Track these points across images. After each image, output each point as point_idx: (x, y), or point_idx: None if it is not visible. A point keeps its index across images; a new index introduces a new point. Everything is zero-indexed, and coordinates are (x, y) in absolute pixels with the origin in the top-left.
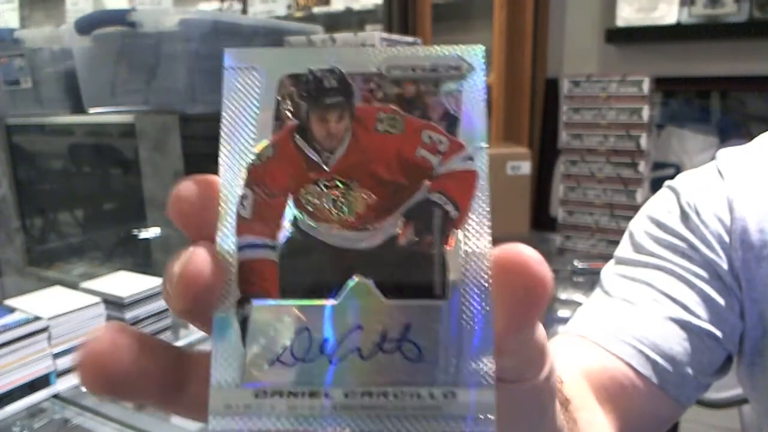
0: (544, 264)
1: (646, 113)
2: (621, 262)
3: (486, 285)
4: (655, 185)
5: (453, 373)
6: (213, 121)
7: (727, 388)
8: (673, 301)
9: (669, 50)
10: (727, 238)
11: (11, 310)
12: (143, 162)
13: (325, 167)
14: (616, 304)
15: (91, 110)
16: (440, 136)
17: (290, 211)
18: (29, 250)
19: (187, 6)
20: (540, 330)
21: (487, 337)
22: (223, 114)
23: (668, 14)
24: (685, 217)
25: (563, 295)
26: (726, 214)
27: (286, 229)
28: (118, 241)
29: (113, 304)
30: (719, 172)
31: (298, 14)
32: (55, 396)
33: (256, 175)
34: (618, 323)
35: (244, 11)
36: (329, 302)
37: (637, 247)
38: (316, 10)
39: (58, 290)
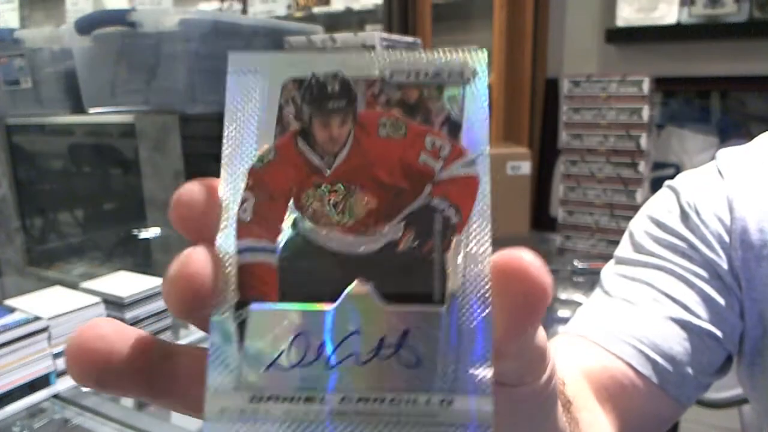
0: (544, 269)
1: (646, 113)
2: (621, 261)
3: (486, 291)
4: (655, 185)
5: (451, 379)
6: (213, 121)
7: (727, 388)
8: (673, 300)
9: (669, 50)
10: (727, 238)
11: (11, 310)
12: (143, 162)
13: (326, 171)
14: (616, 304)
15: (91, 110)
16: (442, 142)
17: (291, 215)
18: (29, 250)
19: (187, 6)
20: (540, 334)
21: (486, 343)
22: (226, 118)
23: (668, 14)
24: (685, 216)
25: (563, 295)
26: (726, 213)
27: (286, 233)
28: (118, 241)
29: (113, 304)
30: (719, 171)
31: (298, 14)
32: (55, 396)
33: (257, 179)
34: (618, 323)
35: (244, 11)
36: (327, 307)
37: (637, 247)
38: (316, 10)
39: (58, 290)
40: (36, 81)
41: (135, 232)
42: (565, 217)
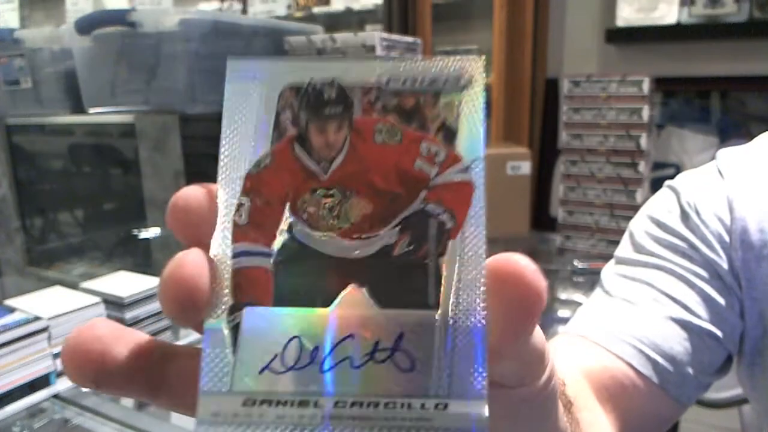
0: (539, 273)
1: (646, 113)
2: (621, 261)
3: (481, 295)
4: (655, 185)
5: (446, 384)
6: (213, 121)
7: (727, 388)
8: (673, 300)
9: (669, 50)
10: (727, 238)
11: (11, 310)
12: (143, 162)
13: (322, 176)
14: (616, 304)
15: (91, 110)
16: (438, 148)
17: (286, 220)
18: (29, 250)
19: (187, 6)
20: (538, 335)
21: (481, 347)
22: (224, 123)
23: (668, 14)
24: (685, 216)
25: (563, 295)
26: (726, 213)
27: (281, 238)
28: (118, 241)
29: (113, 304)
30: (719, 171)
31: (298, 14)
32: (55, 396)
33: (253, 184)
34: (618, 323)
35: (244, 11)
36: (322, 310)
37: (638, 247)
38: (316, 10)
39: (58, 290)
40: (36, 81)
41: (135, 232)
42: (565, 217)
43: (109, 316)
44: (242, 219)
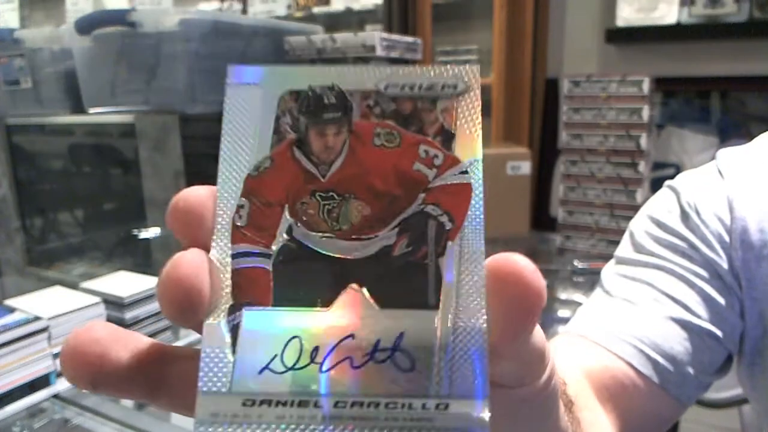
0: (538, 273)
1: (646, 113)
2: (621, 261)
3: (481, 295)
4: (655, 185)
5: (447, 384)
6: (213, 121)
7: (727, 388)
8: (673, 300)
9: (669, 50)
10: (727, 238)
11: (11, 310)
12: (143, 162)
13: (322, 179)
14: (616, 304)
15: (91, 110)
16: (436, 151)
17: (286, 221)
18: (29, 250)
19: (187, 6)
20: (538, 334)
21: (481, 348)
22: (224, 127)
23: (668, 14)
24: (685, 216)
25: (563, 295)
26: (726, 213)
27: (280, 239)
28: (118, 241)
29: (113, 304)
30: (719, 171)
31: (298, 14)
32: (55, 396)
33: (253, 186)
34: (619, 323)
35: (244, 11)
36: (321, 311)
37: (638, 247)
38: (316, 10)
39: (58, 290)
40: (36, 81)
41: (135, 232)
42: (565, 217)
43: (109, 316)
44: (242, 220)
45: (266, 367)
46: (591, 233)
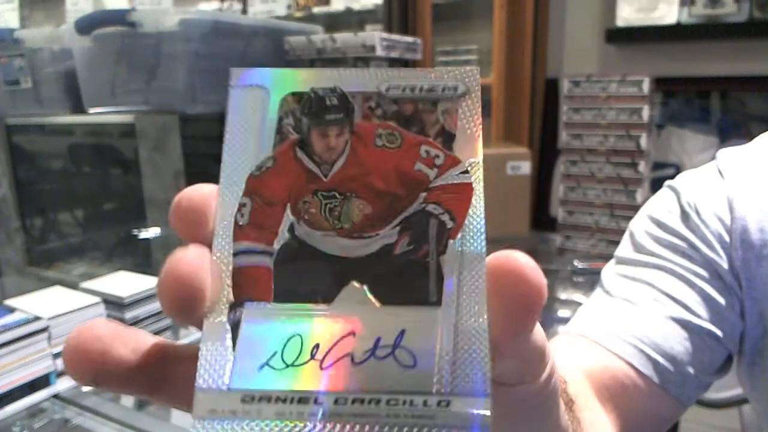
0: (539, 270)
1: (646, 113)
2: (621, 261)
3: (482, 293)
4: (655, 185)
5: (448, 381)
6: (213, 121)
7: (727, 388)
8: (673, 300)
9: (669, 50)
10: (727, 238)
11: (11, 310)
12: (143, 162)
13: (323, 179)
14: (616, 304)
15: (91, 110)
16: (437, 151)
17: (288, 219)
18: (29, 250)
19: (187, 6)
20: (538, 332)
21: (482, 345)
22: (226, 128)
23: (668, 14)
24: (685, 216)
25: (563, 295)
26: (726, 213)
27: (282, 237)
28: (118, 241)
29: (113, 304)
30: (719, 171)
31: (298, 14)
32: (55, 396)
33: (255, 185)
34: (619, 323)
35: (244, 11)
36: (322, 307)
37: (638, 247)
38: (316, 10)
39: (58, 290)
40: (36, 81)
41: (135, 232)
42: (565, 217)
43: (109, 316)
44: (244, 219)
45: (266, 364)
46: (591, 233)
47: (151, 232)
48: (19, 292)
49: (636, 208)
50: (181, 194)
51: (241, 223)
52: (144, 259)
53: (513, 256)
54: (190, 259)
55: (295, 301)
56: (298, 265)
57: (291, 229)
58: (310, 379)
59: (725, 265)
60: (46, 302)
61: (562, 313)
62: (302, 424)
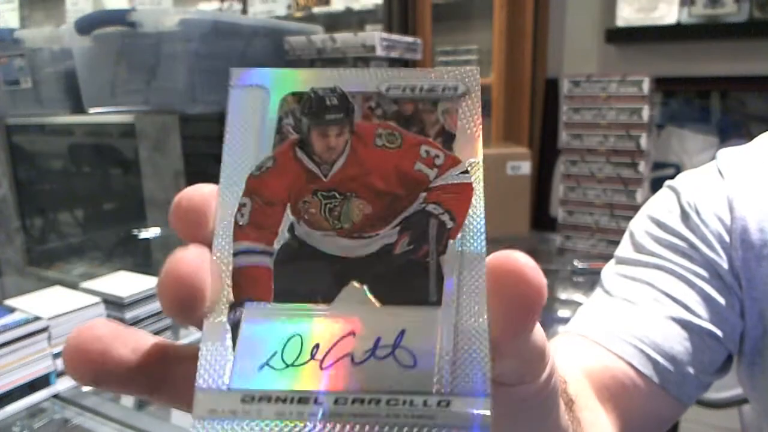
0: (539, 270)
1: (646, 113)
2: (621, 261)
3: (481, 293)
4: (655, 185)
5: (448, 381)
6: (213, 121)
7: (727, 388)
8: (673, 300)
9: (669, 50)
10: (727, 238)
11: (11, 310)
12: (143, 162)
13: (323, 179)
14: (616, 304)
15: (91, 110)
16: (437, 151)
17: (288, 219)
18: (29, 250)
19: (187, 6)
20: (538, 332)
21: (482, 345)
22: (226, 128)
23: (668, 14)
24: (685, 216)
25: (563, 295)
26: (726, 213)
27: (282, 237)
28: (118, 241)
29: (113, 304)
30: (719, 171)
31: (298, 14)
32: (55, 396)
33: (255, 185)
34: (619, 323)
35: (244, 11)
36: (322, 307)
37: (638, 247)
38: (316, 10)
39: (58, 290)
40: (36, 81)
41: (135, 232)
42: (565, 217)
43: (109, 316)
44: (244, 219)
45: (266, 364)
46: (591, 233)
47: (151, 232)
48: (19, 292)
49: (636, 208)
50: (180, 194)
51: (241, 223)
52: (144, 259)
53: (513, 256)
54: (190, 259)
55: (295, 301)
56: (298, 265)
57: (291, 229)
58: (310, 379)
59: (725, 265)
60: (46, 302)
61: (562, 313)
62: (302, 424)
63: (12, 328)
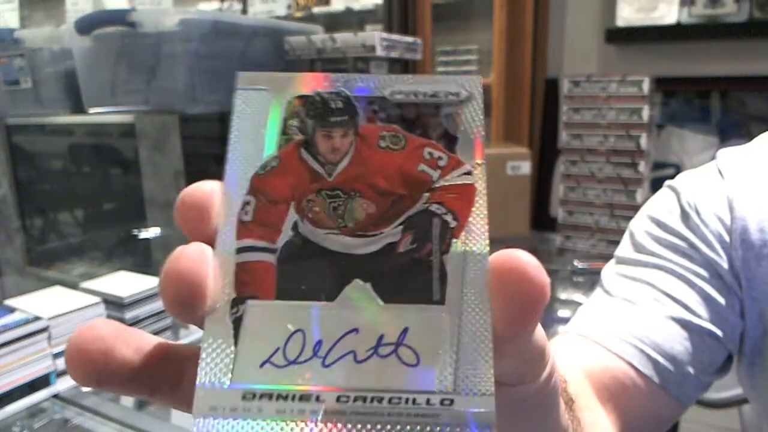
0: (541, 269)
1: (646, 113)
2: (621, 261)
3: (484, 291)
4: (655, 185)
5: (451, 379)
6: (213, 121)
7: (727, 388)
8: (673, 300)
9: (669, 50)
10: (727, 238)
11: (11, 310)
12: (143, 162)
13: (327, 178)
14: (616, 304)
15: (91, 110)
16: (440, 153)
17: (291, 218)
18: (29, 250)
19: (187, 6)
20: (538, 332)
21: (486, 343)
22: (232, 128)
23: (668, 14)
24: (685, 216)
25: (563, 295)
26: (726, 213)
27: (285, 234)
28: (118, 241)
29: (113, 304)
30: (719, 171)
31: (298, 14)
32: (55, 396)
33: (259, 184)
34: (619, 323)
35: (244, 11)
36: (325, 304)
37: (638, 247)
38: (316, 10)
39: (58, 290)
40: (36, 81)
41: (135, 232)
42: (565, 217)
43: (109, 316)
44: (248, 216)
45: (267, 361)
46: (591, 233)
47: (151, 232)
48: (19, 292)
49: (636, 208)
50: (184, 191)
51: (244, 221)
52: (144, 259)
53: (516, 254)
54: (192, 256)
55: (297, 298)
56: (301, 262)
57: (295, 227)
58: (311, 376)
59: (725, 265)
60: (46, 302)
61: (562, 313)
62: (303, 422)
63: (12, 328)
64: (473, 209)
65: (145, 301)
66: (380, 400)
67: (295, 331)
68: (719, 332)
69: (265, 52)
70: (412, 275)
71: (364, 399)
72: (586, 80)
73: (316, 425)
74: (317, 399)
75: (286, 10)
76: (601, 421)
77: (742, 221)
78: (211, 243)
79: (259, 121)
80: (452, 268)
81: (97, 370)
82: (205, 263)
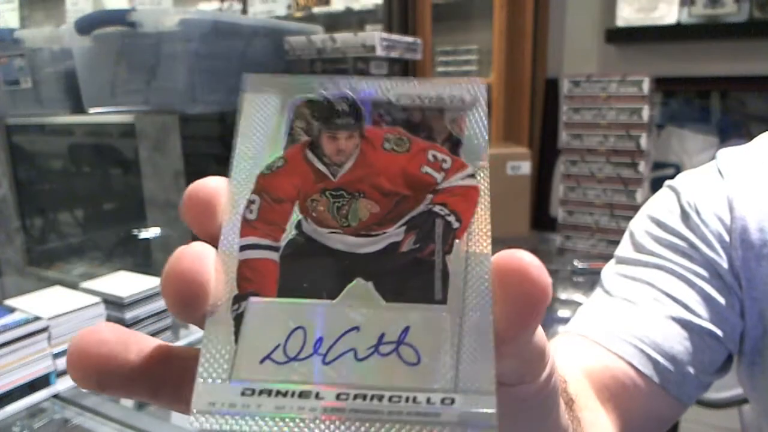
0: (543, 269)
1: (646, 113)
2: (621, 261)
3: (486, 291)
4: (655, 185)
5: (452, 378)
6: (213, 121)
7: (727, 388)
8: (673, 300)
9: (669, 50)
10: (727, 237)
11: (11, 310)
12: (143, 162)
13: (332, 179)
14: (617, 304)
15: (91, 110)
16: (444, 156)
17: (295, 217)
18: (29, 250)
19: (187, 6)
20: (539, 332)
21: (487, 343)
22: (239, 130)
23: (668, 14)
24: (685, 216)
25: (563, 295)
26: (726, 213)
27: (289, 233)
28: (118, 241)
29: (113, 304)
30: (719, 171)
31: (298, 14)
32: (55, 396)
33: (265, 183)
34: (619, 322)
35: (244, 11)
36: (326, 302)
37: (638, 247)
38: (316, 10)
39: (58, 290)
40: (36, 81)
41: (135, 232)
42: (565, 217)
43: (109, 316)
44: (252, 215)
45: (268, 357)
46: (591, 233)
47: (151, 232)
48: (19, 292)
49: (636, 208)
50: (191, 186)
51: (249, 219)
52: (144, 259)
53: (518, 254)
54: (193, 256)
55: (299, 295)
56: (304, 260)
57: (298, 225)
58: (311, 373)
59: (725, 265)
60: (46, 302)
61: (562, 313)
62: (302, 419)
63: (12, 328)
64: (476, 211)
65: (145, 301)
66: (380, 398)
67: (296, 328)
68: (719, 332)
69: (265, 52)
70: (414, 275)
71: (364, 397)
72: (586, 80)
73: (315, 422)
74: (317, 396)
75: (286, 10)
76: (601, 421)
77: (742, 221)
78: (215, 239)
79: (265, 123)
80: (454, 269)
81: (99, 373)
82: (207, 263)
